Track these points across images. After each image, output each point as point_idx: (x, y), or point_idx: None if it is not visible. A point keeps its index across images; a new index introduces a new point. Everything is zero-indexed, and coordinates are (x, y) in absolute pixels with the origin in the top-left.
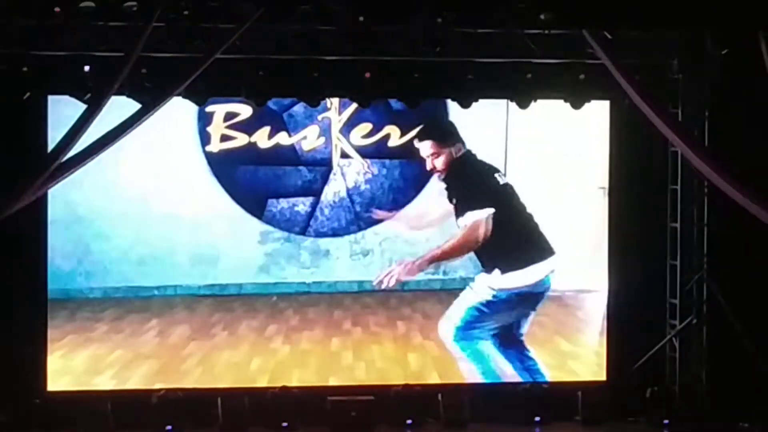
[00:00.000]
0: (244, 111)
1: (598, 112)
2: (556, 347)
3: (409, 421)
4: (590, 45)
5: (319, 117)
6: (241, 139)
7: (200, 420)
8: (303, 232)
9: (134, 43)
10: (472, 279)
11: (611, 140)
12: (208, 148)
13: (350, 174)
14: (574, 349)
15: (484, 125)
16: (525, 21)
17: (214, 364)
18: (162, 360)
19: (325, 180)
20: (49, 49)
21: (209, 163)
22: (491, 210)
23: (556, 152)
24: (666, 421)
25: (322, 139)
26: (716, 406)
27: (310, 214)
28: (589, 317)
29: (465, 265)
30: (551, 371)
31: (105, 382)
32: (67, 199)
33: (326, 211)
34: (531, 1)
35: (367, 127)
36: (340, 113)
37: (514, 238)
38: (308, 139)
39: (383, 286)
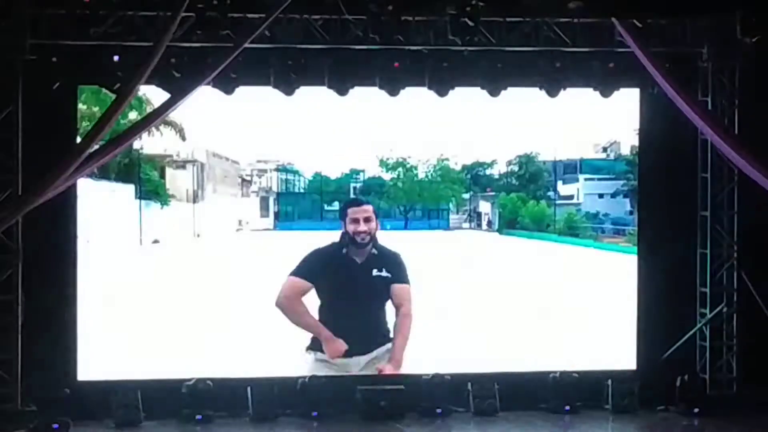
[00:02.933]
0: None
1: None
2: None
3: (438, 410)
4: (620, 33)
5: None
6: None
7: (230, 409)
8: None
9: (163, 33)
10: None
11: (641, 128)
12: None
13: None
14: None
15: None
16: (554, 10)
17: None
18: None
19: None
20: (79, 39)
21: None
22: None
23: None
24: (696, 410)
25: None
26: (747, 395)
27: None
28: None
29: None
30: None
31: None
32: None
33: None
34: None
35: None
36: None
37: None
38: None
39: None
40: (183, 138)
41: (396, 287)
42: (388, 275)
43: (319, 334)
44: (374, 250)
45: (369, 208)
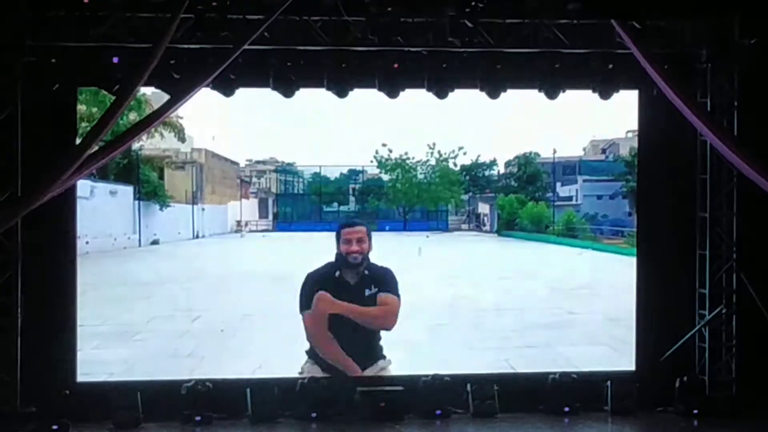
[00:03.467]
0: None
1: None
2: None
3: (438, 412)
4: (619, 35)
5: None
6: None
7: (229, 410)
8: None
9: (162, 35)
10: None
11: (640, 130)
12: None
13: None
14: None
15: None
16: (553, 11)
17: None
18: None
19: None
20: (78, 41)
21: None
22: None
23: None
24: (695, 411)
25: None
26: (746, 396)
27: None
28: None
29: None
30: None
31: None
32: None
33: None
34: None
35: None
36: None
37: None
38: None
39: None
40: (182, 140)
41: (382, 296)
42: (377, 290)
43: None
44: (366, 271)
45: (362, 229)
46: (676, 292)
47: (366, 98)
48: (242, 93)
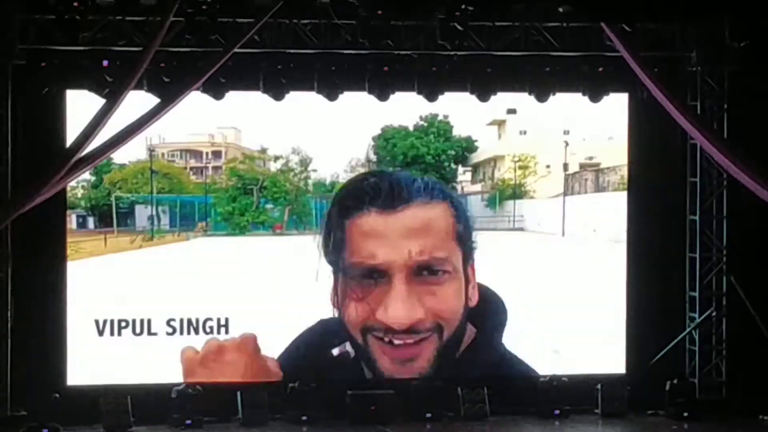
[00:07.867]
0: None
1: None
2: None
3: (428, 415)
4: (609, 38)
5: None
6: None
7: (220, 414)
8: None
9: (152, 38)
10: None
11: (630, 133)
12: None
13: None
14: None
15: None
16: (543, 14)
17: None
18: None
19: None
20: (68, 44)
21: None
22: None
23: None
24: (685, 414)
25: None
26: (736, 399)
27: None
28: None
29: None
30: None
31: None
32: None
33: None
34: None
35: None
36: None
37: None
38: None
39: None
40: None
41: None
42: None
43: None
44: None
45: None
46: (666, 295)
47: None
48: None
